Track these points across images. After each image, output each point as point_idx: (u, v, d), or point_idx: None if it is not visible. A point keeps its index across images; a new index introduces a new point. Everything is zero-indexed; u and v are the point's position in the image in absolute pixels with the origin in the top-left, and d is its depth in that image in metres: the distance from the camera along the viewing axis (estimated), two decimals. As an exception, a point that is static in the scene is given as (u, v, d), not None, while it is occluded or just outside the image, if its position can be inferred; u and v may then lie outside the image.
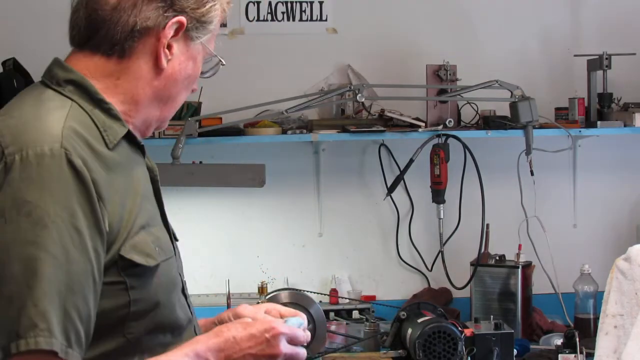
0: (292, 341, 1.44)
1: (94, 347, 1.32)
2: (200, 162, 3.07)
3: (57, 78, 1.41)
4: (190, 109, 3.16)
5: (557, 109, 3.40)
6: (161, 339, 1.41)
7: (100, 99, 1.41)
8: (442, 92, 3.20)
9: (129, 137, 1.45)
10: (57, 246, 1.24)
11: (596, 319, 2.79)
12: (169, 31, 1.43)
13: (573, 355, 2.71)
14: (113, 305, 1.33)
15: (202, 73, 1.56)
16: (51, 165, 1.26)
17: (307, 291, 3.03)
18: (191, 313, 1.54)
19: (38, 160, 1.26)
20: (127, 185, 1.38)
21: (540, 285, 3.33)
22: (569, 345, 2.73)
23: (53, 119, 1.33)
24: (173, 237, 1.56)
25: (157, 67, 1.45)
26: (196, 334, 1.50)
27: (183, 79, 1.49)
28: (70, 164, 1.27)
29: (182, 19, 1.43)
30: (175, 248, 1.52)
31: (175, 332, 1.44)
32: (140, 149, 1.49)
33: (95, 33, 1.42)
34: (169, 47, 1.44)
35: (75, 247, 1.26)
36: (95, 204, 1.29)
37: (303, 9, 3.41)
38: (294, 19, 3.40)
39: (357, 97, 2.99)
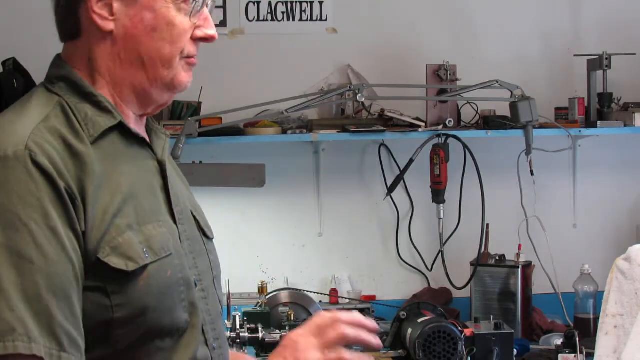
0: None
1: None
2: (200, 162, 3.07)
3: (50, 76, 1.40)
4: (190, 109, 3.16)
5: (557, 109, 3.40)
6: (159, 344, 1.34)
7: (89, 92, 1.38)
8: (442, 92, 3.20)
9: (123, 130, 1.39)
10: (32, 248, 1.20)
11: (596, 319, 2.79)
12: None
13: (573, 355, 2.71)
14: (94, 310, 1.28)
15: (193, 15, 1.40)
16: (15, 168, 1.23)
17: (307, 291, 3.03)
18: (207, 311, 1.45)
19: (2, 164, 1.23)
20: (105, 183, 1.32)
21: (540, 285, 3.33)
22: (569, 345, 2.73)
23: (27, 120, 1.31)
24: (202, 234, 1.52)
25: (104, 33, 1.37)
26: (204, 334, 1.42)
27: (146, 33, 1.37)
28: (36, 164, 1.24)
29: None
30: (182, 243, 1.43)
31: (175, 335, 1.36)
32: (139, 141, 1.43)
33: (59, 22, 1.41)
34: (110, 7, 1.36)
35: (53, 247, 1.22)
36: (68, 203, 1.25)
37: (303, 9, 3.41)
38: (294, 19, 3.40)
39: (357, 97, 2.99)
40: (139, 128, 1.45)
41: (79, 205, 1.26)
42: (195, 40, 1.41)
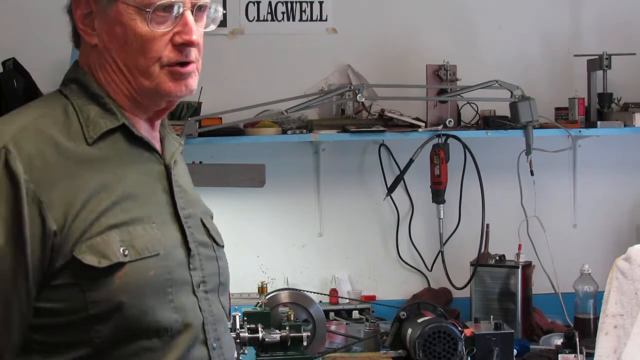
0: None
1: (64, 354, 1.32)
2: (200, 162, 3.07)
3: (65, 79, 1.46)
4: (190, 109, 3.16)
5: (557, 109, 3.40)
6: (145, 344, 1.35)
7: (97, 93, 1.42)
8: (442, 92, 3.20)
9: (128, 132, 1.42)
10: None
11: (596, 319, 2.79)
12: (76, 8, 1.42)
13: (573, 355, 2.71)
14: (70, 308, 1.31)
15: (160, 23, 1.40)
16: None
17: (307, 291, 3.03)
18: (210, 311, 1.46)
19: None
20: (98, 183, 1.35)
21: (540, 285, 3.33)
22: (569, 345, 2.73)
23: (21, 118, 1.36)
24: (212, 241, 1.53)
25: (92, 45, 1.43)
26: (204, 333, 1.43)
27: (120, 46, 1.40)
28: (7, 165, 1.29)
29: None
30: (190, 244, 1.45)
31: (163, 335, 1.37)
32: (144, 145, 1.45)
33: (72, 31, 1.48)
34: (93, 23, 1.42)
35: None
36: (23, 208, 1.28)
37: (303, 9, 3.41)
38: (294, 19, 3.40)
39: (357, 97, 2.99)
40: (148, 133, 1.48)
41: (46, 207, 1.29)
42: (177, 46, 1.40)
